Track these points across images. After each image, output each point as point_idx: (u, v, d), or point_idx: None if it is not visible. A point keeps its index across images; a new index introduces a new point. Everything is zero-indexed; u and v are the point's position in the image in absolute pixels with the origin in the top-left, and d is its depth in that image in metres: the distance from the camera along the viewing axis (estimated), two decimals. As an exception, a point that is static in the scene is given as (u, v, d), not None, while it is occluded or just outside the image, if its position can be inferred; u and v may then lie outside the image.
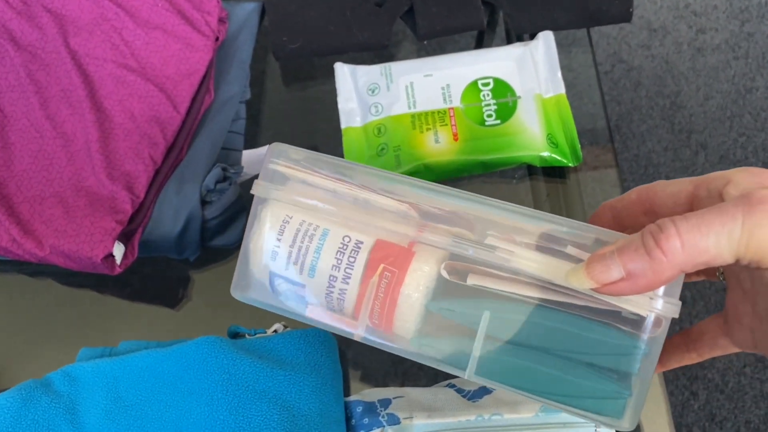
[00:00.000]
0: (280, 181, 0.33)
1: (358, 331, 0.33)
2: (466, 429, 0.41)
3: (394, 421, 0.41)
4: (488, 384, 0.32)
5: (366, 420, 0.42)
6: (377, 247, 0.31)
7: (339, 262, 0.32)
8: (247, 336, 0.45)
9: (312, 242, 0.32)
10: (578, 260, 0.29)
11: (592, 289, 0.28)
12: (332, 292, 0.32)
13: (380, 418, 0.41)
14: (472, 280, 0.31)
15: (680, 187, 0.31)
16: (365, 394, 0.44)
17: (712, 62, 1.40)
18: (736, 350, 0.33)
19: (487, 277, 0.30)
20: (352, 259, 0.31)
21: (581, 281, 0.28)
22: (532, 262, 0.30)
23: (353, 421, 0.42)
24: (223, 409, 0.40)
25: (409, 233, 0.31)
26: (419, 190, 0.32)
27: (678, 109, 1.37)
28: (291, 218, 0.32)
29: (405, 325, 0.32)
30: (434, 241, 0.31)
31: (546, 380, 0.31)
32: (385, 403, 0.42)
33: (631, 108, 1.37)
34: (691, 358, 0.35)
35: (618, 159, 0.55)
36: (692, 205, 0.30)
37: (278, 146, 0.34)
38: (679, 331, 0.35)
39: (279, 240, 0.33)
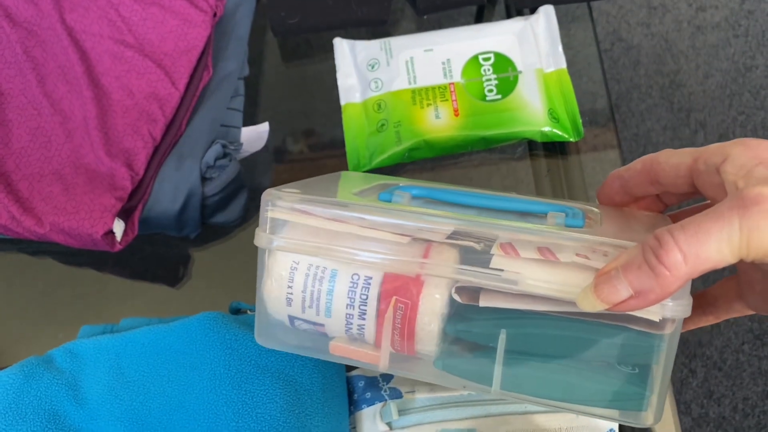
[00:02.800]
0: (279, 228, 0.33)
1: (381, 362, 0.33)
2: (468, 402, 0.41)
3: (396, 395, 0.41)
4: (514, 397, 0.32)
5: (368, 394, 0.42)
6: (386, 280, 0.31)
7: (352, 300, 0.32)
8: (248, 312, 0.45)
9: (323, 285, 0.32)
10: (585, 267, 0.29)
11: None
12: (351, 329, 0.33)
13: (382, 392, 0.42)
14: (484, 302, 0.30)
15: (681, 159, 0.31)
16: (367, 368, 0.44)
17: (711, 40, 1.39)
18: (752, 312, 0.33)
19: (499, 296, 0.30)
20: (364, 296, 0.32)
21: (592, 304, 0.28)
22: (540, 282, 0.29)
23: (355, 395, 0.42)
24: (226, 383, 0.40)
25: (414, 263, 0.31)
26: (417, 215, 0.32)
27: (677, 87, 1.36)
28: (298, 264, 0.32)
29: (426, 350, 0.32)
30: (440, 271, 0.31)
31: (568, 388, 0.31)
32: (387, 377, 0.42)
33: (630, 87, 1.36)
34: (708, 320, 0.35)
35: (619, 137, 0.55)
36: (692, 178, 0.31)
37: (270, 193, 0.33)
38: (695, 294, 0.35)
39: (290, 287, 0.33)
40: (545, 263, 0.29)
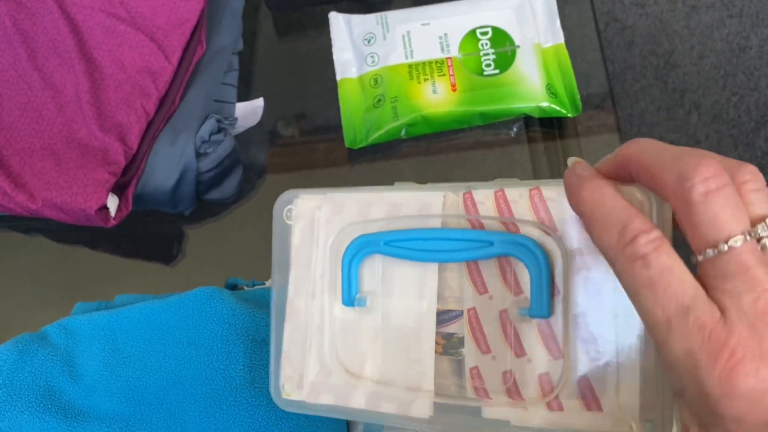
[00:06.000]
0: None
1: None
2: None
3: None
4: None
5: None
6: None
7: None
8: (245, 288, 0.44)
9: None
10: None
11: None
12: None
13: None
14: None
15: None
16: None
17: (706, 21, 1.39)
18: None
19: None
20: None
21: None
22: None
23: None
24: (223, 358, 0.39)
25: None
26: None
27: (672, 68, 1.36)
28: None
29: None
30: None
31: None
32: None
33: (625, 67, 1.36)
34: None
35: (617, 114, 0.54)
36: None
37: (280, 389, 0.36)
38: None
39: None
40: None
